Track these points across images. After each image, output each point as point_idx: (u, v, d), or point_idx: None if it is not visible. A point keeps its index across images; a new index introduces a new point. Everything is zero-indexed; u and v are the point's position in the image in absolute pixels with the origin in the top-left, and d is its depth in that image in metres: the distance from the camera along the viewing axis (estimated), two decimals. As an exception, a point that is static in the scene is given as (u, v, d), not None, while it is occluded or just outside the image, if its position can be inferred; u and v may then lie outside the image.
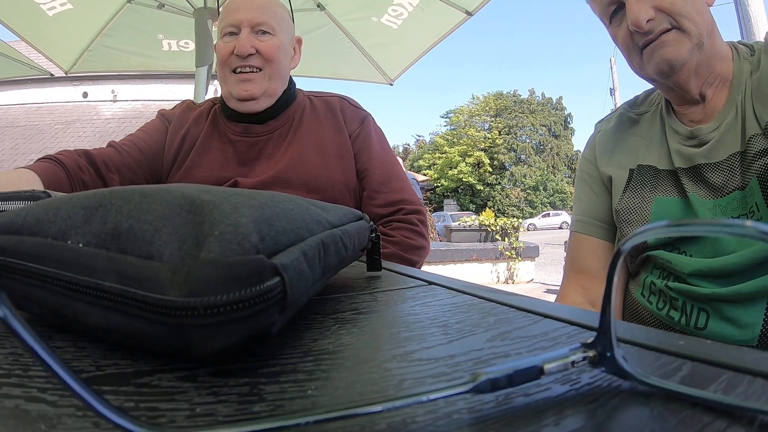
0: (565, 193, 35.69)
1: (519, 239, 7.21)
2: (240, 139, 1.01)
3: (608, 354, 0.19)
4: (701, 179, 0.70)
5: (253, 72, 0.98)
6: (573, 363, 0.19)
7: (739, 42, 0.76)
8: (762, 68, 0.68)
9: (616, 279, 0.19)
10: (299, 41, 1.12)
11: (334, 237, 0.33)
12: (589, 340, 0.20)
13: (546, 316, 0.31)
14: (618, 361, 0.19)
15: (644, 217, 0.76)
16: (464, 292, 0.39)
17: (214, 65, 2.18)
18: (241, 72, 0.98)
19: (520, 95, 40.27)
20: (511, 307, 0.33)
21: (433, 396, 0.16)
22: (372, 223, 0.48)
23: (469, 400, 0.18)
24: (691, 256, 0.69)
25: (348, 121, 1.04)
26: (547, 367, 0.18)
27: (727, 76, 0.72)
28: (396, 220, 0.99)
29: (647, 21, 0.67)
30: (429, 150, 39.86)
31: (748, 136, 0.66)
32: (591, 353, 0.19)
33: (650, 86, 0.82)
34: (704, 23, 0.68)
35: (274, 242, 0.24)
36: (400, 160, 1.73)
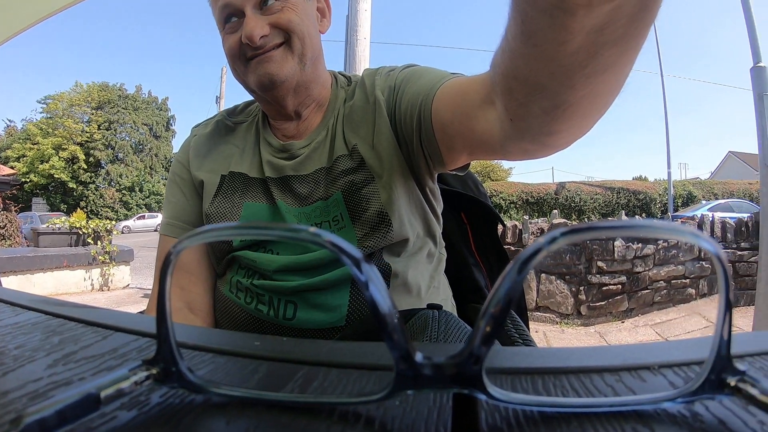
0: (161, 195, 34.36)
1: (113, 242, 6.76)
2: None
3: (173, 368, 0.17)
4: (289, 189, 0.76)
5: None
6: (136, 383, 0.16)
7: (339, 72, 0.85)
8: (355, 99, 0.77)
9: (168, 284, 0.18)
10: None
11: None
12: (152, 355, 0.17)
13: (116, 329, 0.27)
14: (184, 375, 0.17)
15: (234, 221, 0.77)
16: (29, 308, 0.33)
17: None
18: None
19: (127, 90, 37.00)
20: (80, 321, 0.28)
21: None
22: None
23: (22, 451, 0.14)
24: (278, 254, 0.73)
25: None
26: (104, 394, 0.15)
27: (324, 100, 0.80)
28: None
29: (261, 37, 0.69)
30: (20, 139, 31.92)
31: (336, 156, 0.73)
32: (154, 370, 0.17)
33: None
34: (312, 47, 0.74)
35: None
36: None
